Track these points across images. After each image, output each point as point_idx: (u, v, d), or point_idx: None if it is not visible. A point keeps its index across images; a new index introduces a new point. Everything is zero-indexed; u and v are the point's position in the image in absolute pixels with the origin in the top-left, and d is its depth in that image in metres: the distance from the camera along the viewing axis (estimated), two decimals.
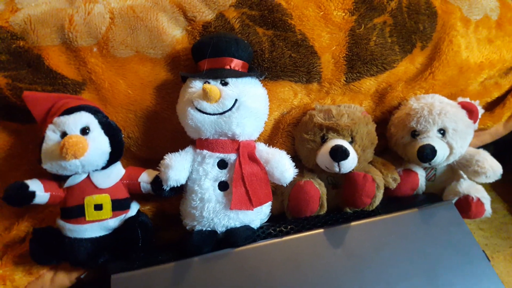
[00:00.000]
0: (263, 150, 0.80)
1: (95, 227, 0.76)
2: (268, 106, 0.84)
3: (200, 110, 0.75)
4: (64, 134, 0.71)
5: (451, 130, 0.84)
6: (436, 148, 0.81)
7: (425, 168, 0.92)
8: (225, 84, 0.77)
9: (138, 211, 0.83)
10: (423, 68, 0.95)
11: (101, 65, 0.82)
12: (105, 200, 0.76)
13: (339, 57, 0.90)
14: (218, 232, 0.78)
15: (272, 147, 0.82)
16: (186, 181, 0.79)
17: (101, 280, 0.76)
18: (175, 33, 0.84)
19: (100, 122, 0.75)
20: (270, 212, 0.84)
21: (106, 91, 0.83)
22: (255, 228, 0.80)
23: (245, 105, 0.76)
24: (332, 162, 0.78)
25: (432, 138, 0.84)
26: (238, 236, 0.75)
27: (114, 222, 0.77)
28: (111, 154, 0.75)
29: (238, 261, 0.74)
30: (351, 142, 0.82)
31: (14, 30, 0.80)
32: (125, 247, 0.76)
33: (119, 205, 0.78)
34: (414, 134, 0.86)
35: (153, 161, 0.80)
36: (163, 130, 0.87)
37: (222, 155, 0.78)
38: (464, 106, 0.87)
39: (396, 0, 0.91)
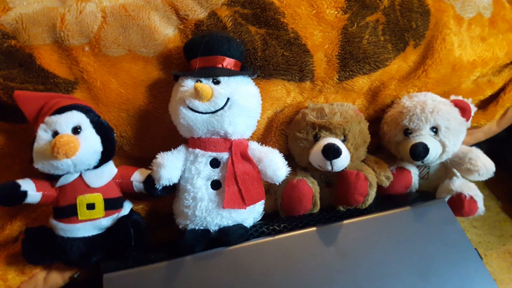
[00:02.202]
0: (256, 149, 0.80)
1: (88, 226, 0.76)
2: (261, 104, 0.84)
3: (192, 109, 0.75)
4: (55, 134, 0.71)
5: (444, 128, 0.84)
6: (429, 146, 0.81)
7: (418, 166, 0.93)
8: (217, 82, 0.77)
9: (131, 210, 0.83)
10: (416, 66, 0.95)
11: (93, 64, 0.82)
12: (98, 199, 0.76)
13: (332, 55, 0.90)
14: (211, 231, 0.78)
15: (265, 145, 0.82)
16: (179, 180, 0.78)
17: (94, 279, 0.76)
18: (167, 32, 0.84)
19: (92, 121, 0.75)
20: (263, 210, 0.84)
21: (98, 90, 0.82)
22: (248, 226, 0.80)
23: (237, 103, 0.76)
24: (324, 160, 0.78)
25: (425, 136, 0.84)
26: (231, 235, 0.75)
27: (106, 221, 0.77)
28: (103, 153, 0.75)
29: (231, 260, 0.74)
30: (343, 141, 0.82)
31: (5, 29, 0.79)
32: (117, 246, 0.76)
33: (111, 204, 0.78)
34: (407, 132, 0.86)
35: (146, 160, 0.80)
36: (156, 129, 0.87)
37: (214, 154, 0.78)
38: (457, 104, 0.88)
39: None
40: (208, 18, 0.85)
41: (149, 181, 0.78)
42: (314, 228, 0.78)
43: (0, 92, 0.79)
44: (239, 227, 0.78)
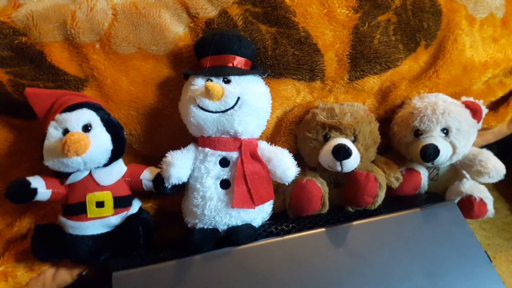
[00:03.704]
0: (265, 149, 0.80)
1: (97, 224, 0.76)
2: (271, 104, 0.84)
3: (202, 108, 0.75)
4: (66, 131, 0.71)
5: (455, 130, 0.83)
6: (439, 147, 0.81)
7: (427, 168, 0.92)
8: (227, 81, 0.77)
9: (140, 208, 0.83)
10: (427, 66, 0.94)
11: (104, 62, 0.82)
12: (107, 197, 0.76)
13: (343, 55, 0.89)
14: (220, 230, 0.78)
15: (275, 145, 0.82)
16: (188, 179, 0.78)
17: (103, 277, 0.76)
18: (177, 30, 0.84)
19: (102, 119, 0.75)
20: (271, 210, 0.84)
21: (108, 88, 0.82)
22: (257, 226, 0.80)
23: (248, 103, 0.76)
24: (334, 161, 0.77)
25: (435, 138, 0.83)
26: (240, 235, 0.75)
27: (115, 220, 0.78)
28: (113, 151, 0.75)
29: (239, 260, 0.74)
30: (353, 141, 0.82)
31: (16, 26, 0.79)
32: (126, 244, 0.76)
33: (120, 203, 0.78)
34: (417, 133, 0.86)
35: (155, 158, 0.80)
36: (165, 128, 0.87)
37: (224, 153, 0.78)
38: (468, 105, 0.87)
39: None
40: (218, 17, 0.84)
41: (159, 180, 0.77)
42: (322, 229, 0.78)
43: (10, 89, 0.79)
44: (248, 226, 0.78)
